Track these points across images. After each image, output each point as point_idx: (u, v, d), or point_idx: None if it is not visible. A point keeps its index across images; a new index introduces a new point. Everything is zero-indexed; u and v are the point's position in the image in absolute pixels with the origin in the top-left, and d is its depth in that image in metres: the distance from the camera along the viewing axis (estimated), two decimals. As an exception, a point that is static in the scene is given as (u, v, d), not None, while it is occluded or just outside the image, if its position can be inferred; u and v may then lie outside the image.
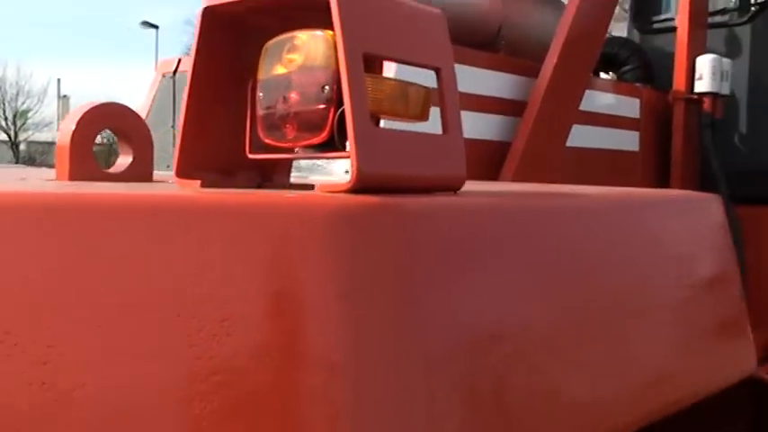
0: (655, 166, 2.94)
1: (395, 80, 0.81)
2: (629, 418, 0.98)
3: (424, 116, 0.83)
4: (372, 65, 0.80)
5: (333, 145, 0.78)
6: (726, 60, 2.91)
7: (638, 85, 2.95)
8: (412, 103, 0.81)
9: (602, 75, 3.14)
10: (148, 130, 1.33)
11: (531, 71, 2.33)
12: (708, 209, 1.24)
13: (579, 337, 0.92)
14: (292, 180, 1.03)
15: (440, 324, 0.76)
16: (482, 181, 1.81)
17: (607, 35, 3.17)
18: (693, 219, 1.22)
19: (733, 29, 3.08)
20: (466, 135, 2.24)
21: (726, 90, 2.91)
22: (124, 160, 1.29)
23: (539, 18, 2.62)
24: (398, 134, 0.81)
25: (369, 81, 0.75)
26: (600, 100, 2.71)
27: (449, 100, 0.81)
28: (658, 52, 3.11)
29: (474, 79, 2.23)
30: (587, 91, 2.61)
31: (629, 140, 2.84)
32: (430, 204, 0.76)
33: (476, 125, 2.22)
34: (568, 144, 2.47)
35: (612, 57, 3.06)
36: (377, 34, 0.76)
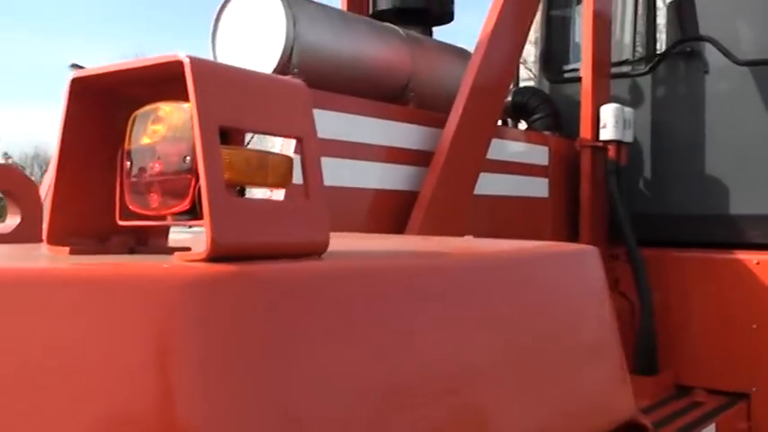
0: (564, 211, 3.04)
1: (253, 150, 0.84)
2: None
3: (285, 183, 0.86)
4: (232, 136, 0.83)
5: (195, 213, 0.80)
6: (628, 109, 3.03)
7: (546, 133, 3.05)
8: (272, 171, 0.84)
9: (513, 123, 3.25)
10: (38, 193, 1.34)
11: (440, 122, 2.39)
12: (584, 261, 1.29)
13: (451, 389, 0.96)
14: (178, 239, 1.05)
15: (303, 386, 0.78)
16: (375, 234, 1.85)
17: (519, 85, 3.28)
18: (570, 271, 1.27)
19: (636, 79, 3.22)
20: (374, 186, 2.27)
21: (629, 138, 3.03)
22: (12, 221, 1.30)
23: (447, 70, 2.70)
24: (256, 202, 0.83)
25: (225, 152, 0.78)
26: (509, 148, 2.80)
27: (310, 168, 0.84)
28: (567, 101, 3.22)
29: (383, 131, 2.28)
30: (496, 140, 2.69)
31: (538, 187, 2.92)
32: (286, 270, 0.78)
33: (384, 176, 2.27)
34: (478, 192, 2.53)
35: (522, 105, 3.16)
36: (234, 106, 0.79)
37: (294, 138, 0.88)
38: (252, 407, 0.75)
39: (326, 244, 0.86)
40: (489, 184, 2.64)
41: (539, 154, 2.93)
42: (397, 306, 0.87)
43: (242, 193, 1.06)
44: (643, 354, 2.98)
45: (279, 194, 1.12)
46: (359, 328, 0.85)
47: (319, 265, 0.84)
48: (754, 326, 2.91)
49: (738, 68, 2.98)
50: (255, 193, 1.45)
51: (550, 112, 3.14)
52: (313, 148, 0.86)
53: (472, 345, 0.97)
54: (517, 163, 2.82)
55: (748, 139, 2.99)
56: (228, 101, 0.80)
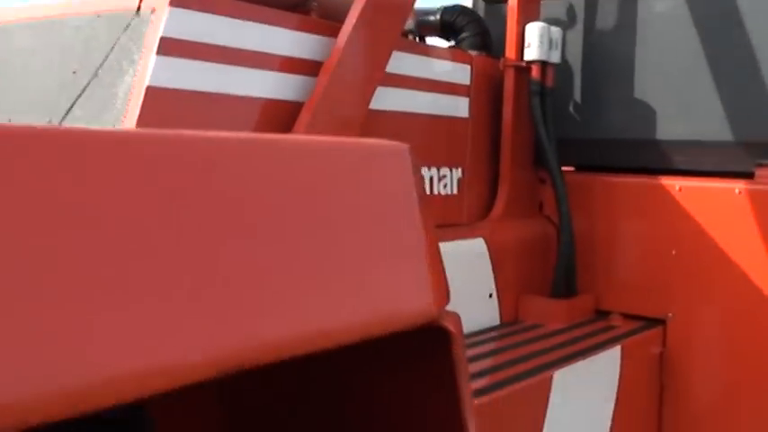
0: (486, 132, 2.99)
1: None
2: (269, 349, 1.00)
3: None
4: None
5: None
6: (555, 29, 2.95)
7: (470, 52, 2.98)
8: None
9: (440, 42, 3.17)
10: None
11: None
12: (390, 159, 1.26)
13: (205, 280, 0.93)
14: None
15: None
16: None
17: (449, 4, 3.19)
18: (372, 168, 1.23)
19: (571, 0, 3.14)
20: (266, 95, 2.22)
21: (555, 58, 2.96)
22: None
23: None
24: None
25: None
26: (427, 65, 2.73)
27: None
28: (501, 22, 3.14)
29: (278, 39, 2.23)
30: (412, 55, 2.64)
31: (458, 107, 2.87)
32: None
33: (278, 86, 2.22)
34: (385, 108, 2.49)
35: (450, 24, 3.08)
36: None
37: None
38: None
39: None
40: (400, 101, 2.59)
41: (460, 73, 2.87)
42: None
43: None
44: (561, 277, 2.97)
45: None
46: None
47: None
48: (674, 252, 2.89)
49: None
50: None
51: (479, 31, 3.06)
52: None
53: (231, 233, 0.94)
54: (435, 81, 2.76)
55: (679, 64, 2.92)
56: None
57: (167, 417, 1.59)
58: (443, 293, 1.32)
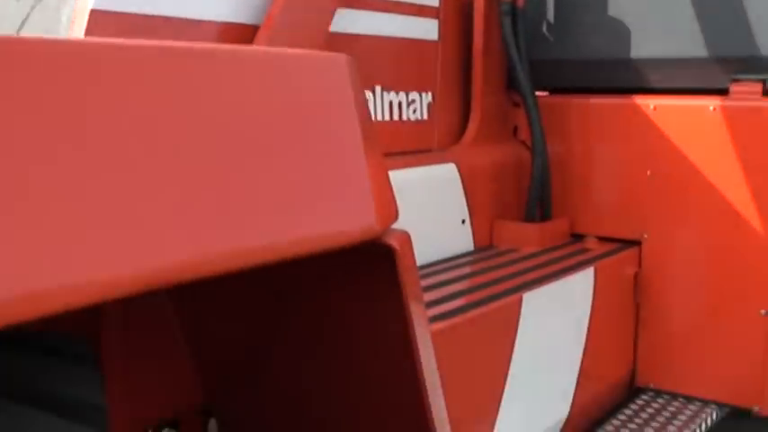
0: (457, 55, 2.92)
1: None
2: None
3: None
4: None
5: None
6: (525, -54, 2.86)
7: (439, -28, 2.89)
8: None
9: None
10: None
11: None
12: (328, 70, 1.21)
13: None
14: None
15: None
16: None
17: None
18: (309, 79, 1.18)
19: None
20: (220, 19, 2.14)
21: (527, -23, 2.88)
22: None
23: None
24: None
25: None
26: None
27: None
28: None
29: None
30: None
31: (427, 30, 2.79)
32: None
33: (233, 8, 2.14)
34: (349, 31, 2.42)
35: (418, -56, 2.98)
36: None
37: None
38: None
39: None
40: (367, 23, 2.52)
41: (428, -6, 2.79)
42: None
43: None
44: (534, 201, 2.93)
45: None
46: None
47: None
48: (649, 172, 2.86)
49: None
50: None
51: (447, -50, 2.96)
52: None
53: (160, 145, 0.91)
54: (403, 2, 2.68)
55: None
56: None
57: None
58: (389, 211, 1.28)
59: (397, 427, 1.50)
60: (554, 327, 2.45)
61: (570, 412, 2.56)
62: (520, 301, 2.25)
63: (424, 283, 2.36)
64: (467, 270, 2.56)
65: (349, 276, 1.36)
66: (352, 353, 1.49)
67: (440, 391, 1.43)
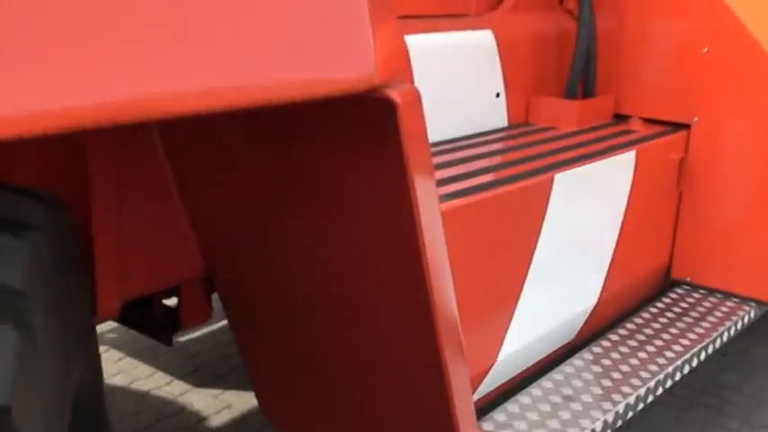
0: None
1: None
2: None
3: None
4: None
5: None
6: None
7: None
8: None
9: None
10: None
11: None
12: None
13: None
14: None
15: None
16: None
17: None
18: None
19: None
20: None
21: None
22: None
23: None
24: None
25: None
26: None
27: None
28: None
29: None
30: None
31: None
32: None
33: None
34: None
35: None
36: None
37: None
38: None
39: None
40: None
41: None
42: None
43: None
44: (576, 76, 2.70)
45: None
46: None
47: None
48: (705, 49, 2.60)
49: None
50: None
51: None
52: None
53: None
54: None
55: None
56: None
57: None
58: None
59: (399, 306, 1.37)
60: (586, 211, 2.27)
61: (599, 302, 2.42)
62: (551, 181, 2.08)
63: (449, 157, 2.19)
64: (497, 146, 2.37)
65: (352, 140, 1.20)
66: (353, 227, 1.34)
67: (447, 275, 1.28)
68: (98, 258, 1.63)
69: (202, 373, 3.24)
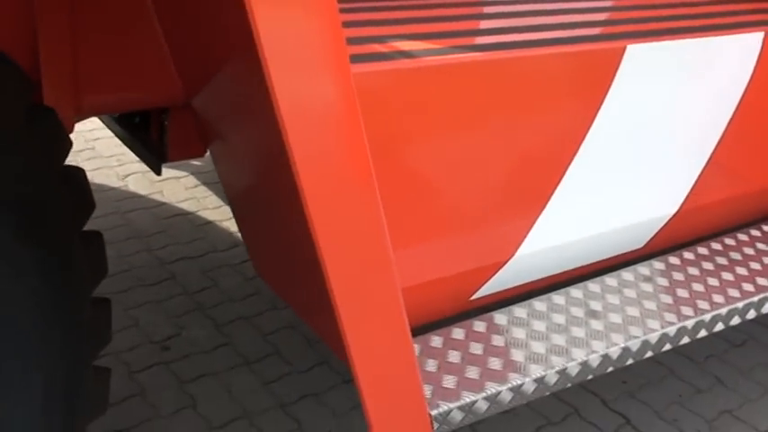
0: None
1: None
2: None
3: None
4: None
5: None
6: None
7: None
8: None
9: None
10: None
11: None
12: None
13: None
14: None
15: None
16: None
17: None
18: None
19: None
20: None
21: None
22: None
23: None
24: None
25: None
26: None
27: None
28: None
29: None
30: None
31: None
32: None
33: None
34: None
35: None
36: None
37: None
38: None
39: None
40: None
41: None
42: None
43: None
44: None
45: None
46: None
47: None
48: None
49: None
50: None
51: None
52: None
53: None
54: None
55: None
56: None
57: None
58: None
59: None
60: (678, 95, 1.84)
61: (680, 210, 2.00)
62: (621, 51, 1.66)
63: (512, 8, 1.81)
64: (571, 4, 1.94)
65: None
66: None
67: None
68: (43, 60, 1.46)
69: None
